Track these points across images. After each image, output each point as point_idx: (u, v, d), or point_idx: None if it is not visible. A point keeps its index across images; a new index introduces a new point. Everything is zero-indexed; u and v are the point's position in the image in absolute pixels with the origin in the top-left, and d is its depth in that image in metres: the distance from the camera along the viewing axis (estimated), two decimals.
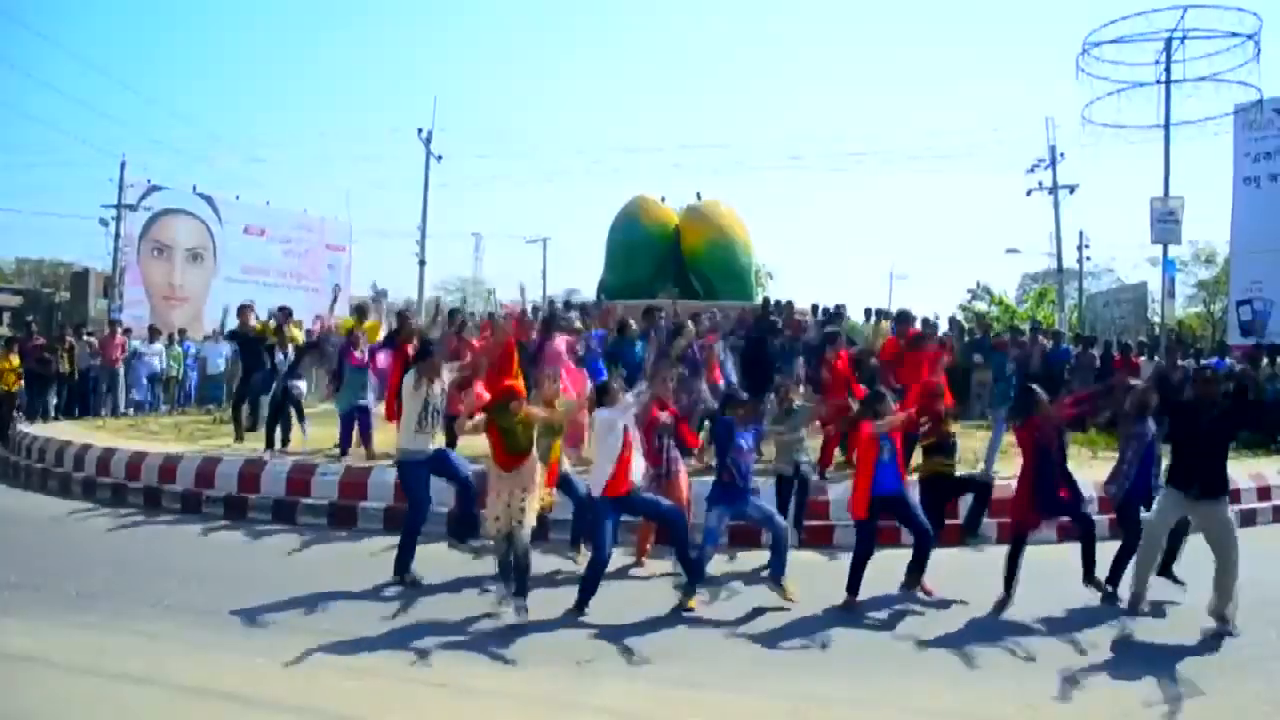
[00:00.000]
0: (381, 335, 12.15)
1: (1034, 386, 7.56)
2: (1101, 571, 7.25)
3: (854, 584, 7.04)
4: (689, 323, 10.84)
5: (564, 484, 7.98)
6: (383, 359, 10.92)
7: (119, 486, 11.10)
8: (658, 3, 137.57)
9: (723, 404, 7.69)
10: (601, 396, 7.05)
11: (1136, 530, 7.36)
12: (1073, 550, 7.36)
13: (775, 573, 7.13)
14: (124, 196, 28.83)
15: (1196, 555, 6.89)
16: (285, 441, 11.58)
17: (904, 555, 7.43)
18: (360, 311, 12.65)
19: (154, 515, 10.18)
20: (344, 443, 11.12)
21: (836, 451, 10.40)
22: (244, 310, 12.60)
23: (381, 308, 15.04)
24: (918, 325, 12.02)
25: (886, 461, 7.10)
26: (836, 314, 15.58)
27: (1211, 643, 6.42)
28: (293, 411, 11.78)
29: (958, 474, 8.11)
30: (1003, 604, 7.01)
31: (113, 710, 4.99)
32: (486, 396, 7.28)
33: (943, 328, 15.91)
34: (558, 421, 7.56)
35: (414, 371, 7.76)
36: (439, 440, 7.91)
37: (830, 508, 9.20)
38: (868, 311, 18.10)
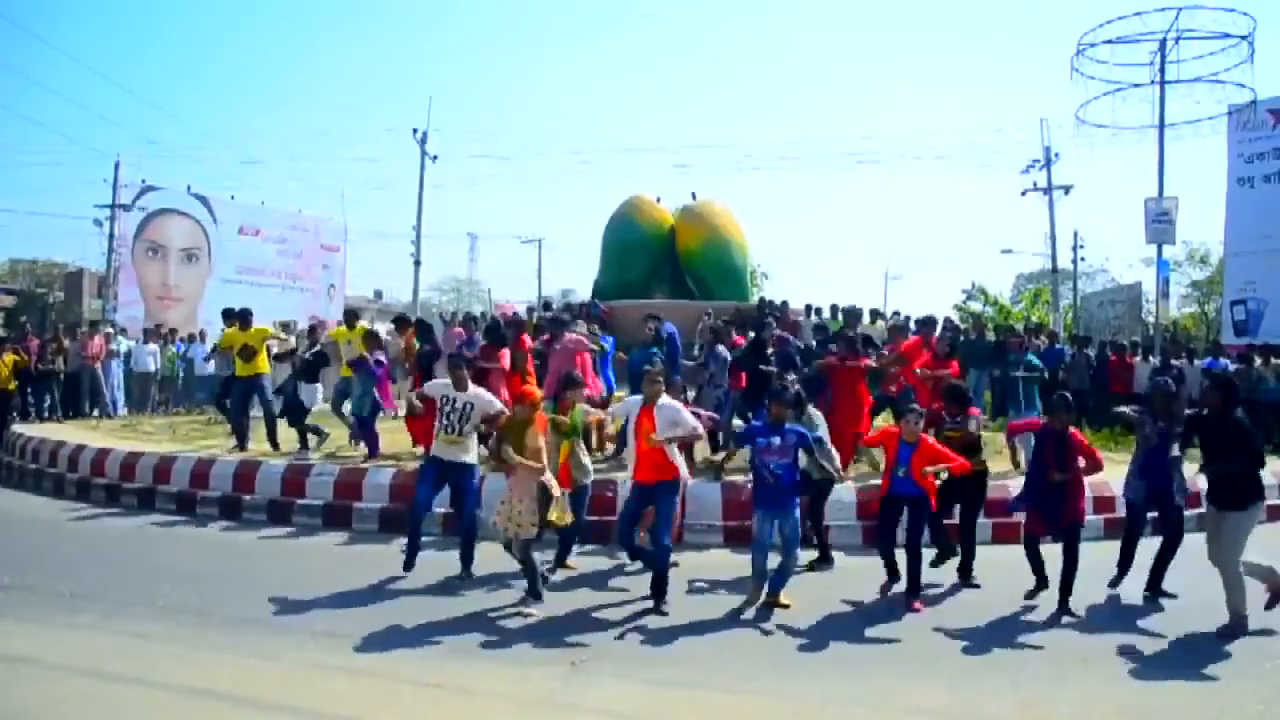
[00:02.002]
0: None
1: (1065, 395, 7.60)
2: (1083, 586, 7.28)
3: (891, 571, 7.37)
4: (711, 319, 10.84)
5: (572, 498, 7.95)
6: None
7: (113, 487, 11.07)
8: (654, 4, 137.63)
9: (769, 399, 7.67)
10: (641, 385, 7.46)
11: (1138, 527, 7.61)
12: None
13: (773, 590, 7.10)
14: (118, 197, 28.77)
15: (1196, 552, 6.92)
16: (275, 444, 11.56)
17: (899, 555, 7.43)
18: (350, 317, 12.62)
19: (148, 516, 10.15)
20: (370, 443, 11.09)
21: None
22: (228, 315, 12.54)
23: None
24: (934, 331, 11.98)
25: (901, 478, 7.26)
26: (855, 314, 15.37)
27: (1203, 640, 6.43)
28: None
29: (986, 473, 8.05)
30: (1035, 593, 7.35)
31: (106, 711, 4.96)
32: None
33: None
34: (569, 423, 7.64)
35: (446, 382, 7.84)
36: (470, 449, 7.78)
37: (825, 508, 9.17)
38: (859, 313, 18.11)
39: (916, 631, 6.59)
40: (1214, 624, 6.56)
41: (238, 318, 11.91)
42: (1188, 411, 7.54)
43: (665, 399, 7.17)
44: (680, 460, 7.25)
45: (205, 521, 9.92)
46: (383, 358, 11.22)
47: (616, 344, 12.38)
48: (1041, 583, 7.36)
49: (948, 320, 19.29)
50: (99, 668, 5.46)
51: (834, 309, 17.48)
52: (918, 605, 7.09)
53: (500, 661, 5.81)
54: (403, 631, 6.28)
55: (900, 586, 7.34)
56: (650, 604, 6.93)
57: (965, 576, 7.85)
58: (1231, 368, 15.79)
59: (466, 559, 7.69)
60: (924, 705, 5.28)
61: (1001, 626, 6.73)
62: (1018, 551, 7.57)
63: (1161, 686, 5.61)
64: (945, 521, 7.86)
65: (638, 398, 7.29)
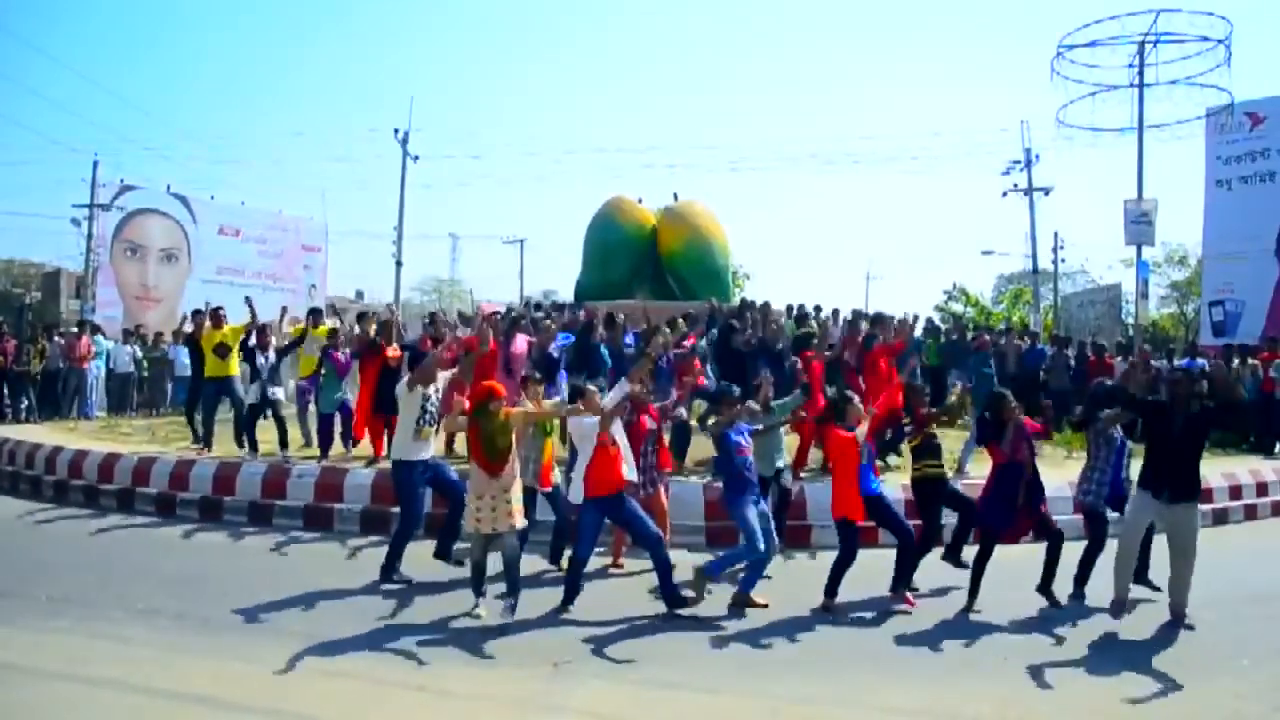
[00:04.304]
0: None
1: (1004, 391, 7.52)
2: (1065, 578, 7.30)
3: (832, 588, 7.02)
4: (664, 326, 10.77)
5: (552, 495, 7.95)
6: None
7: (91, 489, 10.96)
8: (637, 5, 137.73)
9: (716, 400, 7.63)
10: (576, 399, 7.12)
11: (1103, 533, 7.42)
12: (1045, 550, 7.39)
13: (745, 587, 7.11)
14: (96, 196, 28.46)
15: (1161, 554, 6.96)
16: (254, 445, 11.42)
17: (883, 555, 7.44)
18: (315, 316, 12.62)
19: (128, 518, 10.06)
20: (324, 444, 11.04)
21: (814, 454, 10.42)
22: (196, 315, 12.45)
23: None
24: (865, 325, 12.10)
25: (866, 465, 7.14)
26: (805, 316, 15.56)
27: (1179, 638, 6.50)
28: (272, 416, 11.61)
29: (948, 478, 7.99)
30: (967, 610, 7.06)
31: (84, 715, 4.92)
32: (467, 404, 7.12)
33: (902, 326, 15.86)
34: (545, 419, 7.59)
35: (408, 377, 7.70)
36: (436, 445, 7.67)
37: (807, 507, 9.21)
38: (836, 313, 18.16)
39: (896, 630, 6.62)
40: (1194, 621, 6.65)
41: (210, 316, 11.83)
42: (1150, 397, 7.48)
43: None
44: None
45: (185, 524, 9.84)
46: (343, 354, 11.14)
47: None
48: (974, 597, 7.12)
49: (929, 321, 19.38)
50: (77, 672, 5.41)
51: (788, 309, 17.54)
52: (909, 600, 7.11)
53: (483, 663, 5.79)
54: (385, 633, 6.26)
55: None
56: (634, 603, 6.96)
57: (954, 556, 7.79)
58: (1209, 367, 15.94)
59: (448, 548, 7.64)
60: (904, 704, 5.30)
61: (981, 626, 6.77)
62: (1000, 550, 7.63)
63: (1140, 684, 5.65)
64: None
65: (593, 420, 6.91)
